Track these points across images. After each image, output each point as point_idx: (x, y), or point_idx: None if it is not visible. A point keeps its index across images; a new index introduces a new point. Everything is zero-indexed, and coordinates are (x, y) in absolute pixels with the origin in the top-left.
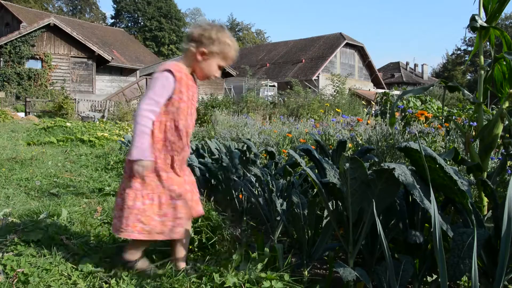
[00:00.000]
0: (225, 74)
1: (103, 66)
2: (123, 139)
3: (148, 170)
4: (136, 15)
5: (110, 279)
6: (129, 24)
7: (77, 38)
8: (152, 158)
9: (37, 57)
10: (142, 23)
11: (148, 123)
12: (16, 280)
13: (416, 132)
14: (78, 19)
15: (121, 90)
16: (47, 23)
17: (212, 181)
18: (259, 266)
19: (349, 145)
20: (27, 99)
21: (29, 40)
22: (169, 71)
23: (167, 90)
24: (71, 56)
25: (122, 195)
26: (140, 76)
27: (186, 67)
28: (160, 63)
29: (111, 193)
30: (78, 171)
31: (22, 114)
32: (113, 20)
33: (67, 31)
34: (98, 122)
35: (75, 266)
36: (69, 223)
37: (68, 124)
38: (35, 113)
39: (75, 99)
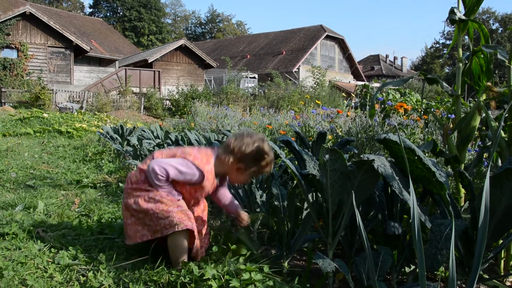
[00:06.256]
0: (206, 66)
1: (81, 56)
2: (101, 130)
3: None
4: (115, 5)
5: (87, 272)
6: (108, 14)
7: (54, 27)
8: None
9: (13, 46)
10: (121, 13)
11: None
12: None
13: (396, 124)
14: (55, 8)
15: (100, 81)
16: (23, 11)
17: None
18: (241, 259)
19: (329, 136)
20: (2, 89)
21: (3, 29)
22: (202, 175)
23: (185, 178)
24: (48, 46)
25: None
26: (119, 67)
27: (216, 170)
28: (139, 53)
29: (89, 185)
30: (56, 163)
31: None
32: (91, 10)
33: (43, 20)
34: (76, 113)
35: (51, 259)
36: (46, 215)
37: (45, 115)
38: (11, 104)
39: (52, 90)
